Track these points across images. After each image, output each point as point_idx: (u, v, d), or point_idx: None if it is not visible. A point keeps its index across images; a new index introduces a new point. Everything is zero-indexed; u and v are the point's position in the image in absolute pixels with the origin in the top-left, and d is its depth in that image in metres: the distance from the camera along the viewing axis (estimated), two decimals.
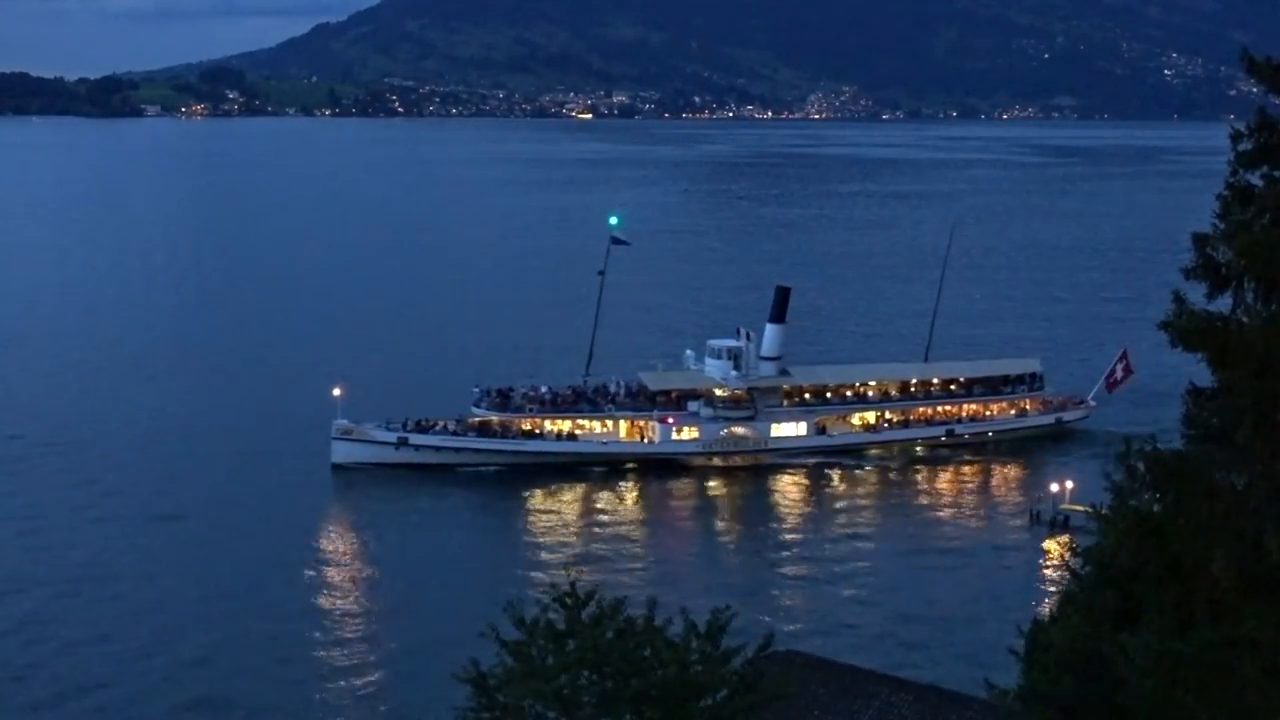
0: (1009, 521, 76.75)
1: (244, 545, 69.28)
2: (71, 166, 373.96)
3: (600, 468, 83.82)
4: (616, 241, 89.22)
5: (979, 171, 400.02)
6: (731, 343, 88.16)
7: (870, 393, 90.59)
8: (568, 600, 25.66)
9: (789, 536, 74.12)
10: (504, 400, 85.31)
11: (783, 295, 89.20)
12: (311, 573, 66.02)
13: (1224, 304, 19.46)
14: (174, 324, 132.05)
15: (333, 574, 66.55)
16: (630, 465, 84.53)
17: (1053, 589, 58.54)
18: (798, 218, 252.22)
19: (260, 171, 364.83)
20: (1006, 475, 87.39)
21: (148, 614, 59.92)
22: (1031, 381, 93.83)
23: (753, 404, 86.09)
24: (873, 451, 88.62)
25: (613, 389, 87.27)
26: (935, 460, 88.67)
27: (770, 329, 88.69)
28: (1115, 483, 20.49)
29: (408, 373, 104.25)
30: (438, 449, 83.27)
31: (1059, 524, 71.92)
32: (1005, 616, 52.58)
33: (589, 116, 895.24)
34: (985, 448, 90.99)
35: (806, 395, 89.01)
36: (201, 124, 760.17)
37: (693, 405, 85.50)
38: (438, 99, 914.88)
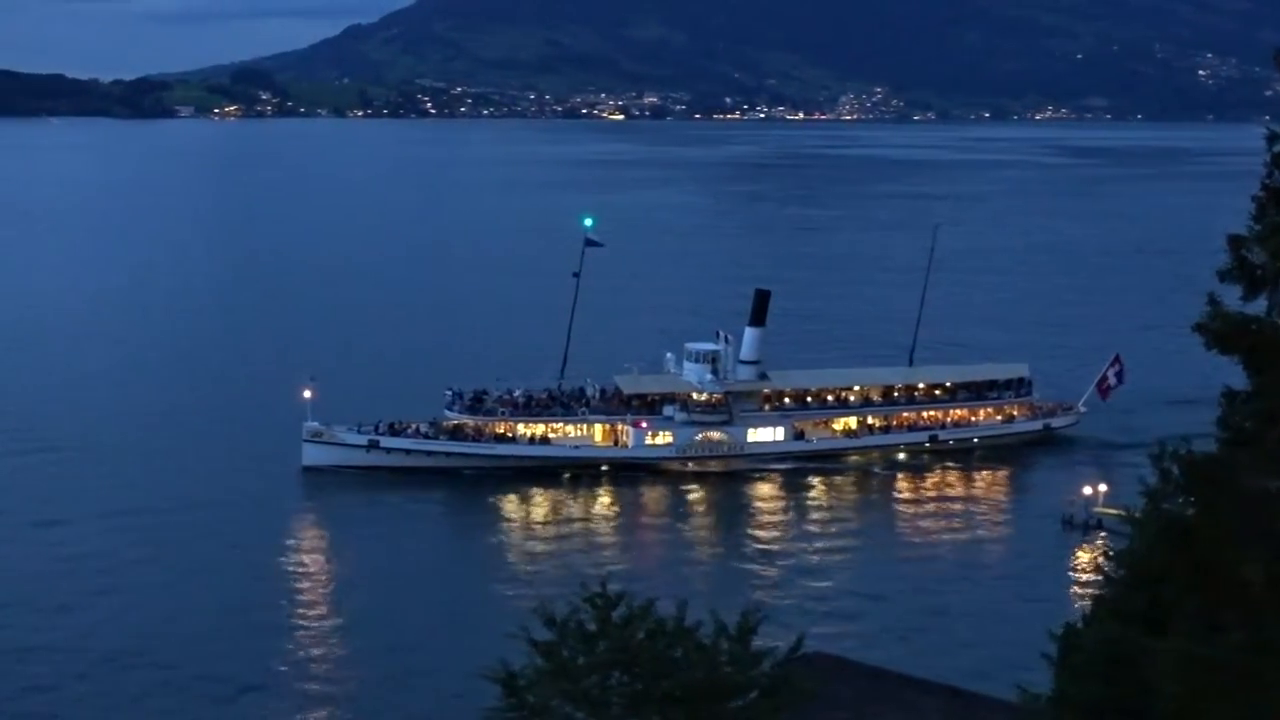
0: (1039, 525, 75.83)
1: (210, 544, 69.07)
2: (98, 168, 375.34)
3: (573, 472, 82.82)
4: (590, 243, 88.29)
5: (1008, 173, 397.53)
6: (709, 346, 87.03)
7: (851, 397, 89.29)
8: (598, 601, 25.31)
9: (792, 541, 73.13)
10: (476, 403, 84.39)
11: (762, 298, 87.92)
12: (270, 576, 65.39)
13: (1259, 306, 19.34)
14: (165, 323, 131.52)
15: (291, 578, 65.88)
16: (604, 469, 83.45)
17: (1085, 593, 58.13)
18: (817, 219, 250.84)
19: (283, 172, 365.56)
20: (1024, 480, 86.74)
21: (113, 616, 59.49)
22: (1019, 387, 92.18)
23: (728, 408, 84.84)
24: (853, 458, 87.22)
25: (589, 393, 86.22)
26: (918, 466, 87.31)
27: (749, 332, 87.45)
28: (1148, 486, 20.42)
29: (385, 374, 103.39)
30: (408, 452, 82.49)
31: (1091, 527, 71.66)
32: (1036, 620, 52.13)
33: (620, 117, 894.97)
34: (971, 454, 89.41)
35: (786, 400, 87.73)
36: (234, 125, 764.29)
37: (668, 409, 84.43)
38: (469, 100, 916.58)
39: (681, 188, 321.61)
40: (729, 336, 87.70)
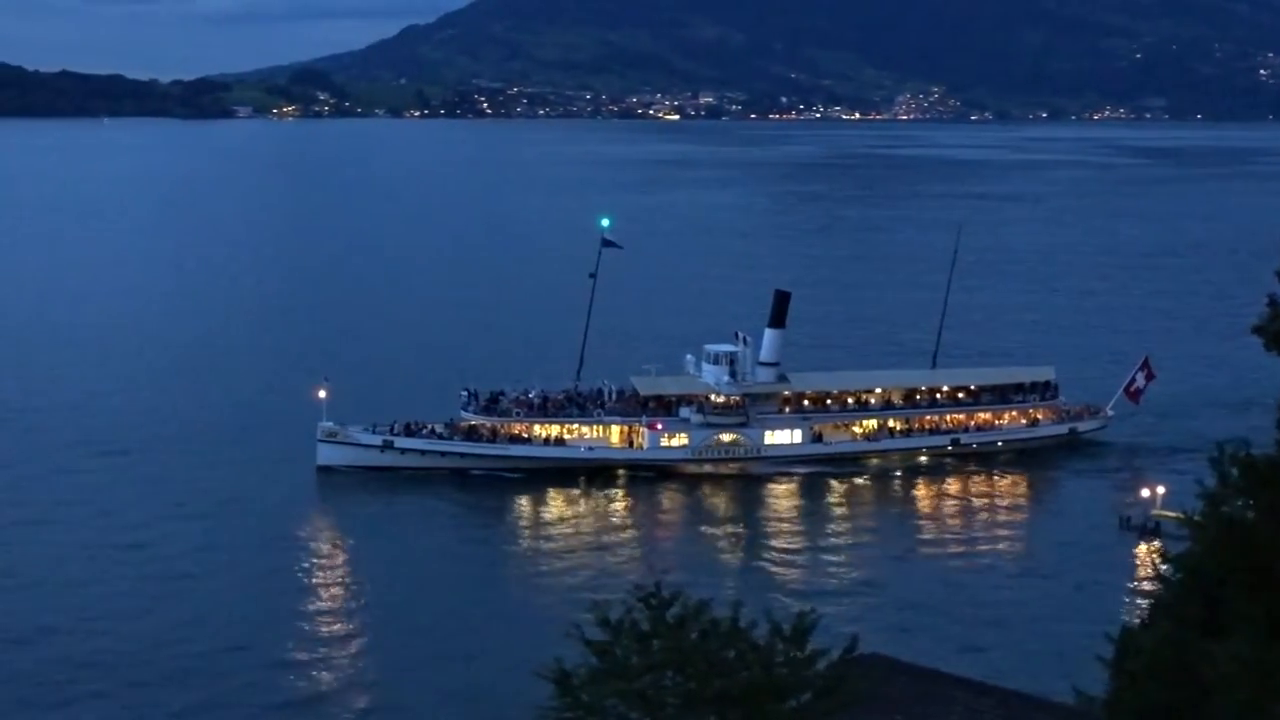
0: (1094, 527, 75.08)
1: (225, 541, 69.58)
2: (153, 168, 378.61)
3: (588, 474, 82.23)
4: (608, 244, 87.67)
5: (1065, 173, 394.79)
6: (727, 348, 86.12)
7: (872, 400, 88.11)
8: (652, 600, 25.19)
9: (821, 543, 72.61)
10: (491, 404, 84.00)
11: (782, 300, 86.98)
12: (277, 574, 65.47)
13: None
14: (198, 321, 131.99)
15: (299, 576, 65.91)
16: (619, 472, 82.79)
17: (1142, 596, 57.73)
18: (873, 219, 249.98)
19: (337, 172, 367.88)
20: (1062, 482, 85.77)
21: (131, 616, 59.59)
22: (1044, 390, 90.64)
23: (744, 410, 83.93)
24: (873, 461, 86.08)
25: (606, 394, 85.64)
26: (943, 469, 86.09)
27: (769, 334, 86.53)
28: (1206, 488, 20.21)
29: (406, 374, 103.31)
30: (423, 453, 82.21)
31: (1149, 530, 70.94)
32: (1091, 622, 51.61)
33: (675, 118, 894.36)
34: (995, 458, 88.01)
35: (805, 402, 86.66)
36: (291, 125, 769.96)
37: (684, 411, 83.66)
38: (525, 100, 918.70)
39: (736, 188, 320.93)
40: (747, 338, 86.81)
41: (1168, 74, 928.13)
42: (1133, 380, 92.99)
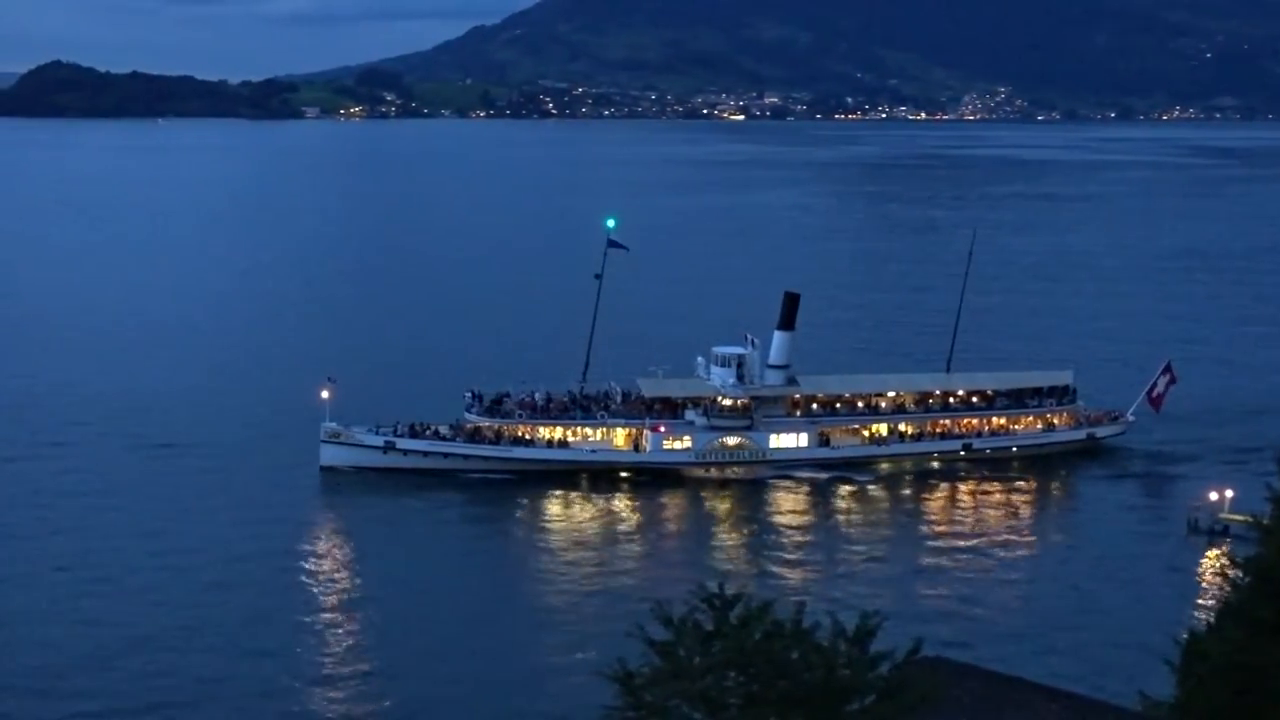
0: (1164, 530, 74.51)
1: (227, 541, 69.73)
2: (215, 169, 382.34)
3: (591, 477, 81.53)
4: (613, 245, 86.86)
5: (1134, 173, 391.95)
6: (734, 350, 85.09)
7: (883, 404, 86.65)
8: (715, 601, 25.44)
9: (845, 546, 72.09)
10: (495, 406, 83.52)
11: (791, 302, 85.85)
12: (265, 573, 65.67)
13: None
14: (236, 319, 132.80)
15: (293, 575, 65.96)
16: (623, 474, 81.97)
17: (1210, 600, 57.29)
18: (937, 219, 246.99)
19: (393, 173, 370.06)
20: (1149, 483, 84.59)
21: (136, 615, 59.90)
22: (1061, 394, 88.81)
23: (749, 413, 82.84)
24: (883, 466, 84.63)
25: (613, 395, 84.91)
26: (955, 474, 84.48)
27: (778, 336, 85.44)
28: (1276, 491, 20.36)
29: (417, 375, 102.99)
30: (425, 454, 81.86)
31: (1217, 533, 70.30)
32: (1159, 627, 52.86)
33: (741, 118, 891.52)
34: (1009, 464, 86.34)
35: (814, 405, 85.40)
36: (358, 125, 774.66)
37: (689, 414, 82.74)
38: (590, 100, 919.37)
39: (798, 188, 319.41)
40: (755, 340, 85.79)
41: (1239, 73, 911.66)
42: (1154, 385, 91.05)
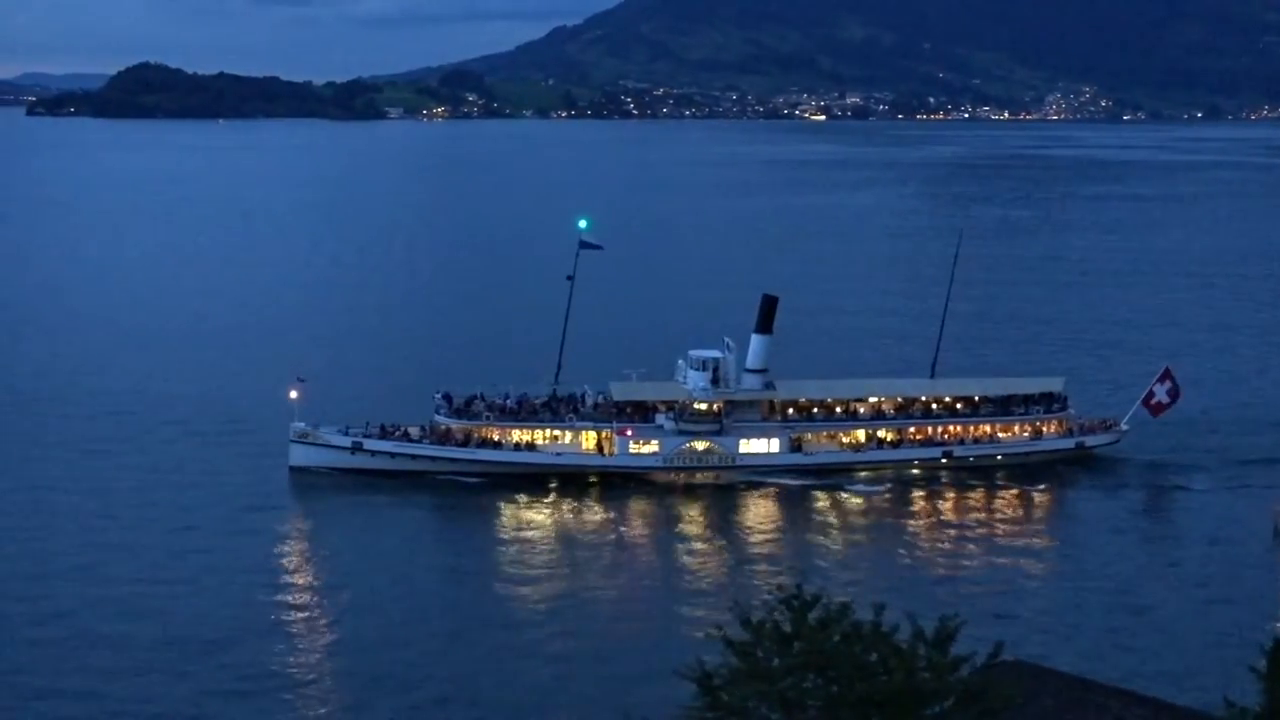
0: (1248, 535, 72.69)
1: (188, 541, 69.71)
2: (295, 169, 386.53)
3: (559, 480, 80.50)
4: (586, 245, 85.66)
5: (1221, 174, 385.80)
6: (710, 353, 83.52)
7: (862, 409, 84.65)
8: (794, 602, 25.71)
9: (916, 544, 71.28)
10: (465, 408, 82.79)
11: (769, 305, 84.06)
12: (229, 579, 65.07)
13: None
14: (269, 318, 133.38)
15: (248, 575, 65.54)
16: (592, 479, 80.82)
17: None
18: (1018, 220, 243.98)
19: (472, 174, 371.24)
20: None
21: (98, 615, 59.79)
22: (1050, 401, 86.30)
23: (718, 418, 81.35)
24: (861, 473, 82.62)
25: (587, 398, 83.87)
26: (931, 482, 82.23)
27: (755, 340, 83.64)
28: None
29: (408, 375, 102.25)
30: (393, 455, 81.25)
31: None
32: (1243, 633, 52.77)
33: (822, 118, 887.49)
34: (993, 472, 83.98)
35: (790, 410, 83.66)
36: (441, 126, 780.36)
37: (659, 418, 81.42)
38: (671, 101, 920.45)
39: (877, 189, 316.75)
40: (731, 344, 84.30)
41: None
42: (1150, 393, 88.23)
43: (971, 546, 71.34)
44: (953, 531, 74.11)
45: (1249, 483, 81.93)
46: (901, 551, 70.43)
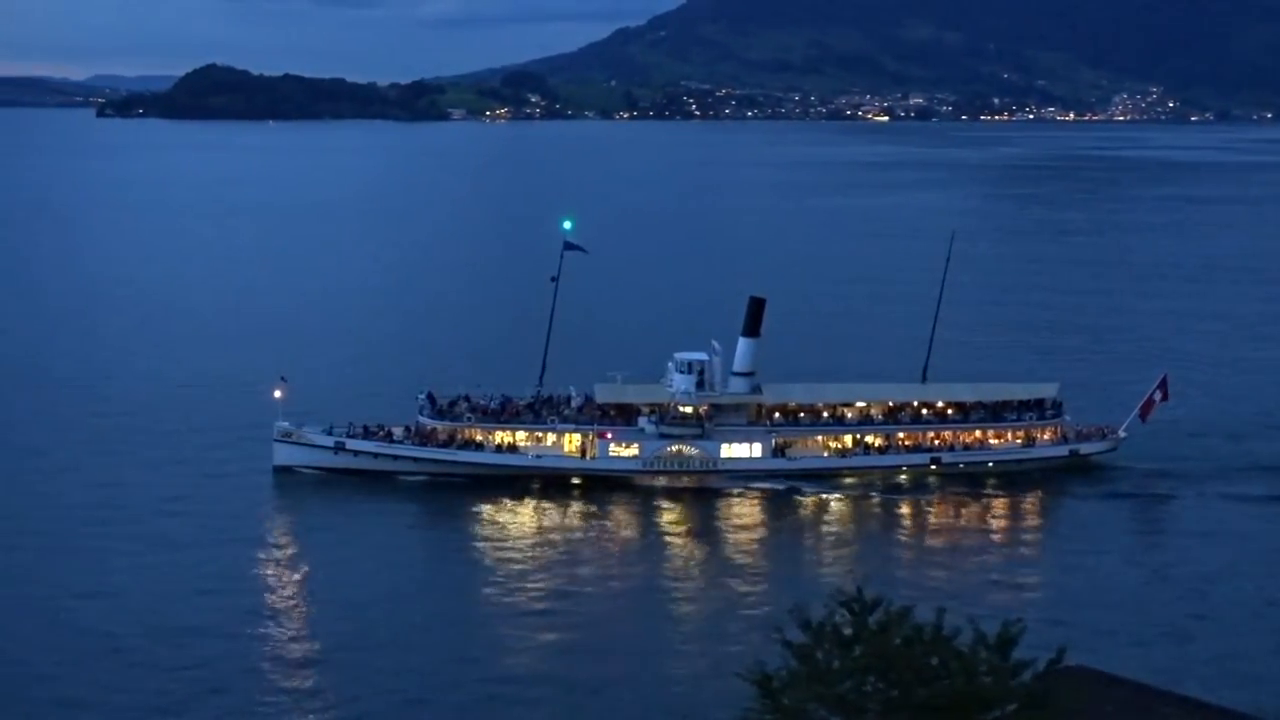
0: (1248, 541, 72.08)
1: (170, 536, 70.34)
2: (355, 170, 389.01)
3: (540, 482, 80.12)
4: (570, 247, 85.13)
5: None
6: (696, 356, 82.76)
7: (849, 414, 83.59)
8: (854, 606, 25.69)
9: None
10: (448, 409, 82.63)
11: (756, 307, 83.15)
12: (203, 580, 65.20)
13: None
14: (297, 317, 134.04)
15: (228, 572, 65.83)
16: (574, 481, 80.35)
17: None
18: (1079, 222, 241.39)
19: (531, 174, 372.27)
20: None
21: (84, 608, 60.32)
22: (1042, 408, 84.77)
23: (700, 421, 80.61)
24: (846, 479, 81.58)
25: (573, 400, 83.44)
26: (924, 488, 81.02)
27: (742, 343, 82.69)
28: None
29: (390, 374, 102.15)
30: (375, 455, 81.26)
31: None
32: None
33: (885, 119, 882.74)
34: (983, 479, 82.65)
35: (776, 414, 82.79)
36: (503, 127, 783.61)
37: (641, 421, 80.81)
38: (733, 102, 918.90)
39: (940, 190, 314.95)
40: (719, 346, 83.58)
41: None
42: (1149, 400, 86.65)
43: (956, 554, 70.33)
44: (937, 540, 73.18)
45: (1250, 492, 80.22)
46: (874, 557, 69.46)
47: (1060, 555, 71.10)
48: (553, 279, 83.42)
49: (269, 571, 66.70)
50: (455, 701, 52.31)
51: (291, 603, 62.80)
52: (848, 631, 25.01)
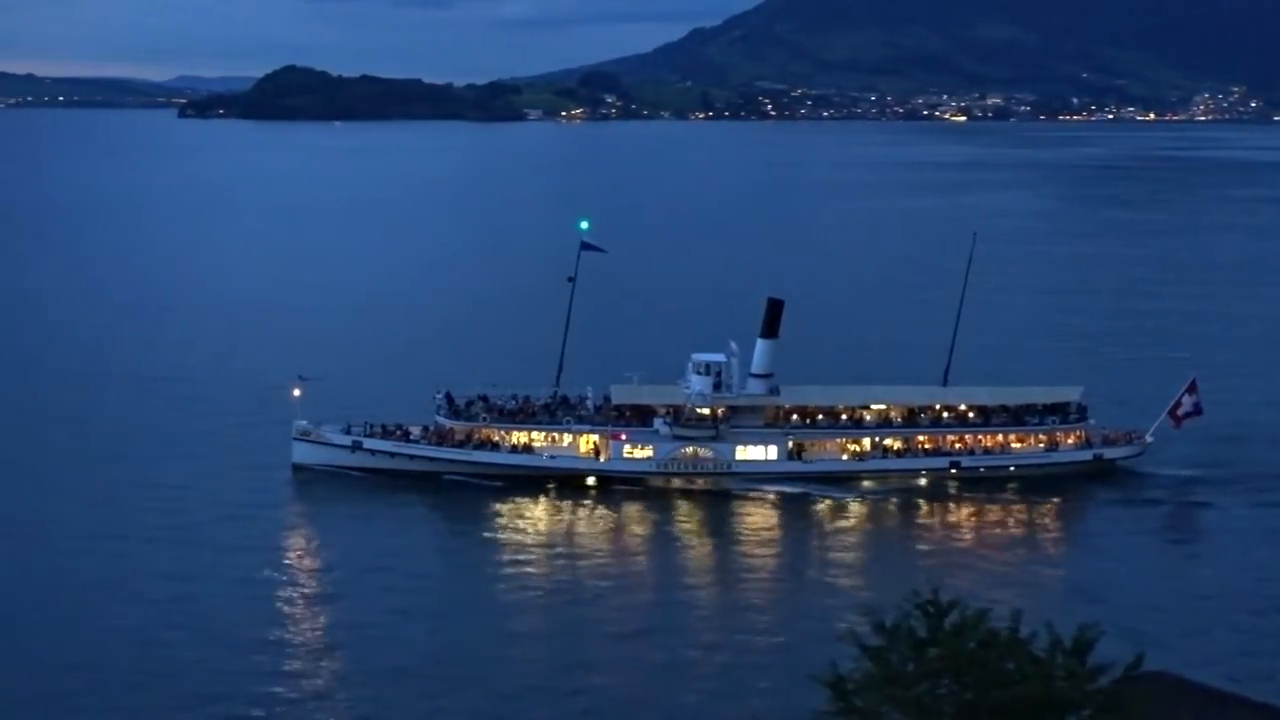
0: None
1: (188, 534, 70.77)
2: (428, 170, 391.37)
3: (556, 483, 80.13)
4: (587, 247, 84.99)
5: None
6: (713, 357, 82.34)
7: (867, 417, 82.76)
8: (930, 608, 25.66)
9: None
10: (465, 409, 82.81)
11: (775, 308, 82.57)
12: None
13: None
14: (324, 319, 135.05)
15: (246, 569, 66.15)
16: (589, 482, 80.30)
17: None
18: (1157, 223, 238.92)
19: (606, 174, 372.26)
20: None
21: (101, 608, 60.74)
22: (1066, 411, 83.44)
23: (715, 423, 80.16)
24: (863, 483, 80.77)
25: (590, 401, 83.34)
26: (940, 494, 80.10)
27: (760, 344, 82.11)
28: None
29: (415, 374, 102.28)
30: (392, 454, 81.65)
31: None
32: None
33: (962, 119, 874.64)
34: (1004, 484, 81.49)
35: (794, 417, 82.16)
36: (579, 128, 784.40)
37: (656, 422, 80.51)
38: (809, 102, 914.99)
39: (1017, 191, 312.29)
40: (735, 347, 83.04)
41: None
42: (1178, 403, 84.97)
43: (976, 558, 69.60)
44: (956, 544, 72.43)
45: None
46: (891, 562, 68.68)
47: (1085, 558, 70.44)
48: (570, 279, 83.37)
49: (284, 568, 67.05)
50: (469, 705, 52.08)
51: (306, 600, 63.06)
52: (922, 634, 24.90)
